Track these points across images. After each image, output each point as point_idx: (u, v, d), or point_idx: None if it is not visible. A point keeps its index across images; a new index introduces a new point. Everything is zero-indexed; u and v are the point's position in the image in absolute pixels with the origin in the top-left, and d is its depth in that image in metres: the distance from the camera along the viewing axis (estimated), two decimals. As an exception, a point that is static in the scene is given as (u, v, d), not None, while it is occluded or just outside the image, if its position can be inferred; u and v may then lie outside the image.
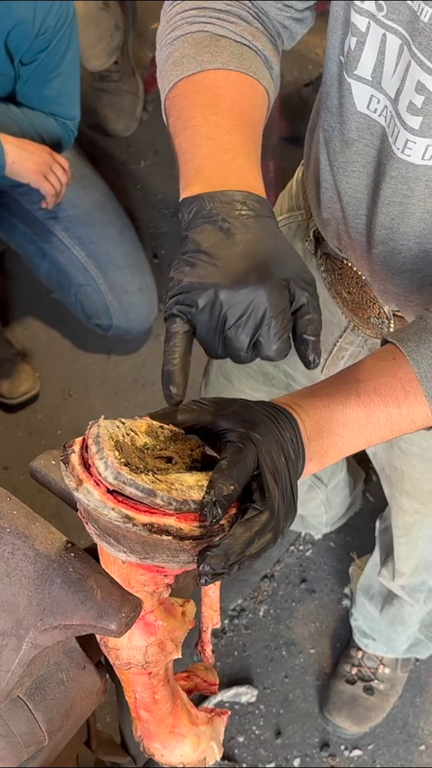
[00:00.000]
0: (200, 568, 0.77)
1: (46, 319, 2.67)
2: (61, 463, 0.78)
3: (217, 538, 0.78)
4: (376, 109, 1.03)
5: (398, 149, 1.02)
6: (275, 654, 2.25)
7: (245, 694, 2.18)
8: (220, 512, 0.77)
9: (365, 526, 2.40)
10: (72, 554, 0.86)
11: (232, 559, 0.78)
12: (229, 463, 0.80)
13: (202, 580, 0.78)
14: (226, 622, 2.27)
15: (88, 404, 2.57)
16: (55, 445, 2.45)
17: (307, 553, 2.39)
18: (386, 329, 1.26)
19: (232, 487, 0.79)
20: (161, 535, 0.75)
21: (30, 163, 2.04)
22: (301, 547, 2.40)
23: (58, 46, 2.02)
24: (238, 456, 0.81)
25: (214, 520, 0.77)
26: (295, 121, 2.87)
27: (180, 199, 0.89)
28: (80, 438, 0.81)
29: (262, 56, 1.03)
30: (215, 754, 1.11)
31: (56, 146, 2.15)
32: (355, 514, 2.37)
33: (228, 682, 2.19)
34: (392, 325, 1.25)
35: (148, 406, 2.56)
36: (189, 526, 0.77)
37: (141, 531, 0.75)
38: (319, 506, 2.14)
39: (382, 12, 0.95)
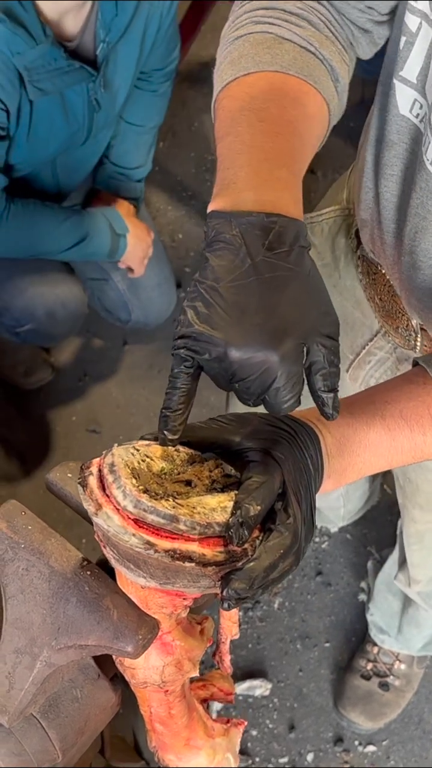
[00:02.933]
0: (224, 593, 0.75)
1: (61, 303, 2.64)
2: (78, 486, 0.75)
3: (240, 563, 0.75)
4: (418, 114, 0.99)
5: (428, 160, 0.97)
6: (290, 647, 2.23)
7: (259, 688, 2.16)
8: (246, 534, 0.75)
9: (382, 518, 2.37)
10: (88, 572, 0.83)
11: (257, 584, 0.76)
12: (256, 483, 0.78)
13: (226, 605, 0.76)
14: (240, 614, 2.25)
15: (103, 390, 2.54)
16: (69, 432, 2.45)
17: (324, 546, 2.36)
18: (413, 341, 1.23)
19: (259, 508, 0.77)
20: (183, 562, 0.73)
21: (139, 252, 2.16)
22: (317, 539, 2.37)
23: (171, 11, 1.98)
24: (264, 476, 0.79)
25: (240, 542, 0.75)
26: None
27: (208, 209, 0.83)
28: (98, 459, 0.78)
29: (328, 66, 0.96)
30: (231, 765, 1.10)
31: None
32: (372, 507, 2.34)
33: (242, 675, 2.18)
34: (419, 339, 1.22)
35: (163, 393, 2.52)
36: (212, 552, 0.74)
37: (163, 557, 0.72)
38: (338, 498, 2.11)
39: None
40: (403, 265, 1.12)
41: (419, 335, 1.22)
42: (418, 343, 1.23)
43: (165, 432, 0.79)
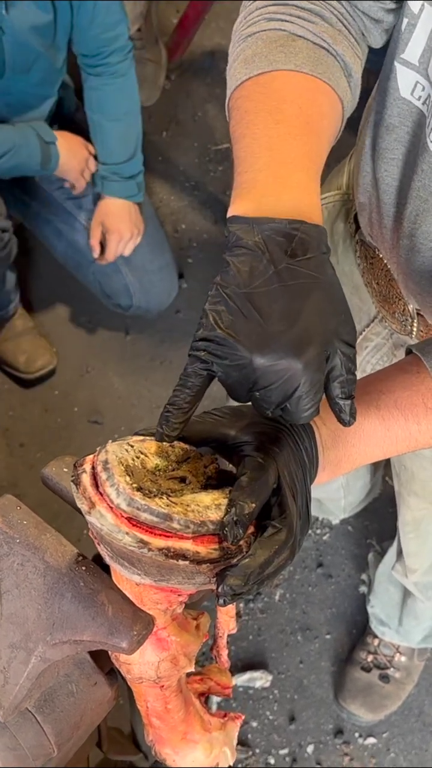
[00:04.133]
0: (219, 589, 0.75)
1: (63, 293, 2.63)
2: (72, 484, 0.75)
3: (235, 559, 0.75)
4: (420, 97, 0.98)
5: (431, 142, 0.97)
6: (290, 639, 2.23)
7: (259, 679, 2.16)
8: (241, 532, 0.75)
9: (384, 510, 2.37)
10: (83, 568, 0.83)
11: (252, 580, 0.76)
12: (250, 480, 0.77)
13: (221, 601, 0.75)
14: (241, 605, 2.26)
15: (105, 382, 2.54)
16: (71, 423, 2.45)
17: (325, 537, 2.36)
18: (409, 327, 1.23)
19: (253, 505, 0.76)
20: (177, 560, 0.72)
21: (74, 162, 2.15)
22: (318, 531, 2.37)
23: None
24: (259, 472, 0.78)
25: (235, 540, 0.74)
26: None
27: (228, 213, 0.82)
28: (91, 456, 0.77)
29: (341, 62, 0.96)
30: (228, 760, 1.09)
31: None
32: (373, 498, 2.34)
33: (242, 667, 2.18)
34: (415, 324, 1.22)
35: (165, 385, 2.53)
36: (206, 549, 0.74)
37: (156, 556, 0.72)
38: (339, 490, 2.10)
39: None
40: (402, 249, 1.12)
41: (416, 320, 1.22)
42: (415, 329, 1.23)
43: (164, 427, 0.79)
